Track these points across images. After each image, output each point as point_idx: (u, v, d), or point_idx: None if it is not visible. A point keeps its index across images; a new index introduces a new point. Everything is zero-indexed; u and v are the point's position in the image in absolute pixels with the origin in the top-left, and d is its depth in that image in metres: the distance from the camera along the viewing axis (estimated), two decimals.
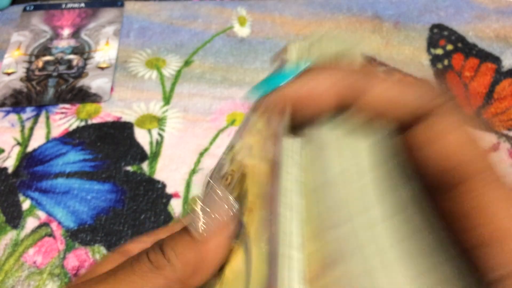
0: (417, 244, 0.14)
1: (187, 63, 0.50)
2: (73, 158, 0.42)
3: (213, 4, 0.56)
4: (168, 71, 0.49)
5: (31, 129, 0.44)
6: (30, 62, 0.50)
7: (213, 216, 0.18)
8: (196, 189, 0.40)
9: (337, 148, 0.17)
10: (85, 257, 0.37)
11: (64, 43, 0.52)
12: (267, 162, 0.18)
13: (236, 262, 0.18)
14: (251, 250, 0.17)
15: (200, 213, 0.18)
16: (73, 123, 0.45)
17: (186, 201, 0.40)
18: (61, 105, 0.46)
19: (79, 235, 0.38)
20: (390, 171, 0.16)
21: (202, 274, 0.18)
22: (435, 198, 0.16)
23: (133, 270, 0.17)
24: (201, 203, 0.18)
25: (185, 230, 0.18)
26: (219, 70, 0.49)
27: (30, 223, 0.38)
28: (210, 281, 0.19)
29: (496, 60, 0.49)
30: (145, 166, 0.42)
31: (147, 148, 0.43)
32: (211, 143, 0.43)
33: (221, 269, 0.19)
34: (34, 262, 0.36)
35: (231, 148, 0.22)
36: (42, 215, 0.38)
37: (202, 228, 0.17)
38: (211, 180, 0.18)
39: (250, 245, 0.17)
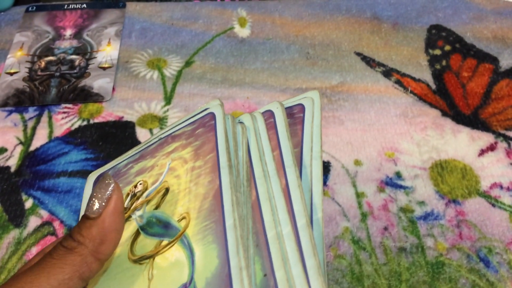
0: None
1: (188, 63, 0.50)
2: (75, 157, 0.42)
3: (214, 5, 0.56)
4: (169, 71, 0.50)
5: (34, 128, 0.45)
6: (32, 62, 0.50)
7: (102, 201, 0.23)
8: None
9: None
10: None
11: (66, 43, 0.52)
12: (203, 187, 0.25)
13: (171, 254, 0.24)
14: (192, 246, 0.24)
15: (94, 199, 0.23)
16: (75, 123, 0.45)
17: None
18: (64, 105, 0.46)
19: None
20: None
21: (108, 243, 0.23)
22: None
23: (52, 257, 0.22)
24: (94, 192, 0.23)
25: (84, 216, 0.23)
26: (220, 70, 0.49)
27: (33, 222, 0.38)
28: (135, 267, 0.25)
29: (493, 60, 0.49)
30: None
31: None
32: None
33: (148, 258, 0.25)
34: None
35: (137, 161, 0.31)
36: (44, 214, 0.39)
37: (96, 210, 0.23)
38: (107, 177, 0.24)
39: (190, 242, 0.24)
